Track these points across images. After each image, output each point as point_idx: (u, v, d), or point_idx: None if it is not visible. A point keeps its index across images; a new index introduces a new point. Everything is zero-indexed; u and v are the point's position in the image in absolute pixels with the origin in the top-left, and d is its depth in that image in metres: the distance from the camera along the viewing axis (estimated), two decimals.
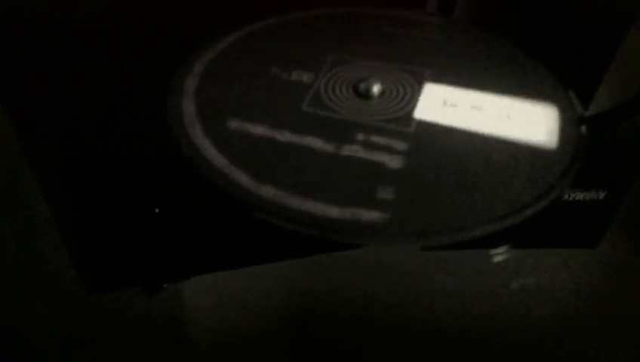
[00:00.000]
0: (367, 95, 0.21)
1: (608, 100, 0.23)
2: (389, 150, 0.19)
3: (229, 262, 0.23)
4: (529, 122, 0.21)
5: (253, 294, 0.24)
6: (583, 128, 0.21)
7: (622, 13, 0.23)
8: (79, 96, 0.21)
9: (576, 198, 0.24)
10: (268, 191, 0.18)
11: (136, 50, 0.22)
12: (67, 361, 0.22)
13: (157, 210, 0.22)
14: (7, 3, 0.20)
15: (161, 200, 0.22)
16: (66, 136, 0.21)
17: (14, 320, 0.22)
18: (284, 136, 0.19)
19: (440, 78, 0.22)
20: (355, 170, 0.18)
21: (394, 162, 0.18)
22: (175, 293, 0.23)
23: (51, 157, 0.22)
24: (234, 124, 0.20)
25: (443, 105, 0.20)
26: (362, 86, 0.21)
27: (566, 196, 0.23)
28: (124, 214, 0.22)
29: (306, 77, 0.22)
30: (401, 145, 0.19)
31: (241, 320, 0.23)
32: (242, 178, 0.18)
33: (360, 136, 0.19)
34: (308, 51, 0.24)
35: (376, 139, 0.19)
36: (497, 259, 0.24)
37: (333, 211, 0.17)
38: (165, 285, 0.23)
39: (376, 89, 0.21)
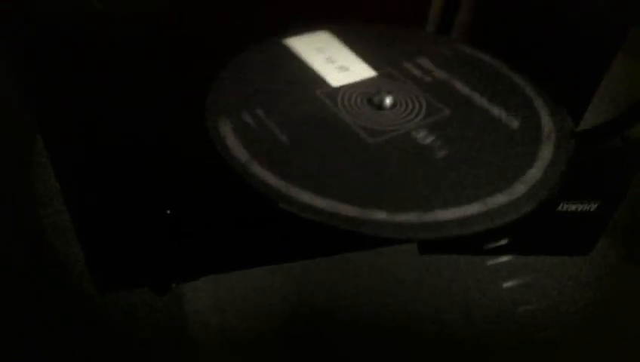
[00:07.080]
0: (378, 105, 0.22)
1: (597, 118, 0.25)
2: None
3: (237, 263, 0.24)
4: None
5: (253, 296, 0.24)
6: (573, 143, 0.21)
7: (609, 37, 0.25)
8: (97, 98, 0.21)
9: (570, 209, 0.25)
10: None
11: (154, 53, 0.22)
12: (69, 356, 0.22)
13: (168, 212, 0.22)
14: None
15: (172, 202, 0.22)
16: (84, 138, 0.22)
17: (25, 313, 0.23)
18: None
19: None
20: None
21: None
22: (177, 295, 0.24)
23: (69, 159, 0.22)
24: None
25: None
26: (376, 97, 0.22)
27: (561, 207, 0.24)
28: (137, 215, 0.22)
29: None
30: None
31: (241, 320, 0.23)
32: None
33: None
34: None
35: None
36: (491, 246, 0.24)
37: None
38: (174, 285, 0.24)
39: (387, 101, 0.22)
